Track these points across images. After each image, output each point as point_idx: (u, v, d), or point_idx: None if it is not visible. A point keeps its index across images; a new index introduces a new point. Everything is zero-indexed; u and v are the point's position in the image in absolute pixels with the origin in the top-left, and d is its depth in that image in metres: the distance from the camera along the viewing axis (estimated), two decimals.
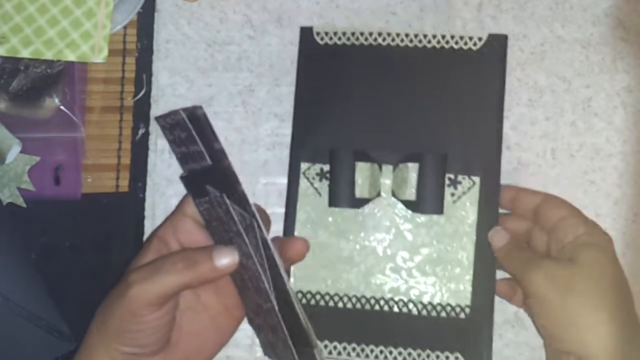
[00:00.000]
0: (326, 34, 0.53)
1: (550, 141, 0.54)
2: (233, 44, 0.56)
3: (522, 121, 0.54)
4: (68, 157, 0.54)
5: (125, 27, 0.55)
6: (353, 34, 0.53)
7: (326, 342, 0.50)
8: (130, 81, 0.56)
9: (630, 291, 0.46)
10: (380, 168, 0.51)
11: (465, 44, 0.52)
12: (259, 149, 0.55)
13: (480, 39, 0.52)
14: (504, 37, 0.52)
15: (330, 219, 0.51)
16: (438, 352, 0.49)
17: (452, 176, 0.51)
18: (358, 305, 0.50)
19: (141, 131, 0.55)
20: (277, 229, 0.52)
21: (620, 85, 0.55)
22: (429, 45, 0.52)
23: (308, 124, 0.52)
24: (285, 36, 0.56)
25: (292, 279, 0.51)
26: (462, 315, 0.50)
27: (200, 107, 0.41)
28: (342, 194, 0.50)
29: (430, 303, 0.50)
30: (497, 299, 0.50)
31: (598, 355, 0.42)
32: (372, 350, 0.50)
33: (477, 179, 0.51)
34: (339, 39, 0.53)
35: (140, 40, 0.56)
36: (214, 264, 0.41)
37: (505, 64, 0.52)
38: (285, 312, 0.42)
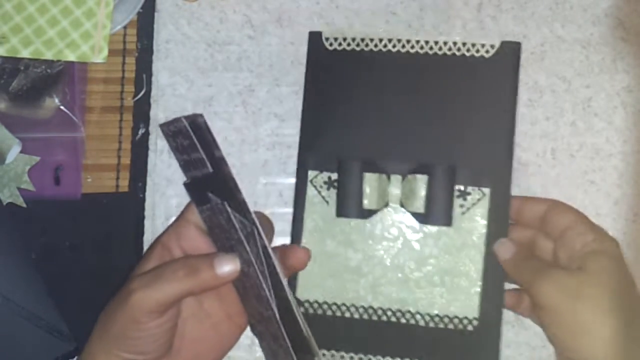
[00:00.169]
0: (335, 39, 0.52)
1: (550, 141, 0.54)
2: (233, 44, 0.56)
3: (522, 121, 0.54)
4: (68, 157, 0.54)
5: (125, 27, 0.55)
6: (363, 39, 0.52)
7: (332, 352, 0.50)
8: (130, 81, 0.56)
9: None
10: (389, 178, 0.50)
11: (477, 51, 0.51)
12: (259, 149, 0.55)
13: (492, 47, 0.51)
14: (517, 45, 0.51)
15: (337, 228, 0.50)
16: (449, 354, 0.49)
17: (461, 187, 0.50)
18: (365, 316, 0.50)
19: (141, 131, 0.55)
20: (278, 228, 0.52)
21: (620, 85, 0.55)
22: (440, 52, 0.51)
23: (316, 131, 0.52)
24: (285, 36, 0.56)
25: (297, 288, 0.50)
26: (470, 328, 0.49)
27: (201, 115, 0.41)
28: (350, 205, 0.50)
29: (437, 315, 0.49)
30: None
31: None
32: None
33: (487, 191, 0.50)
34: (348, 44, 0.52)
35: (140, 40, 0.56)
36: (216, 271, 0.41)
37: (518, 73, 0.51)
38: (287, 320, 0.42)
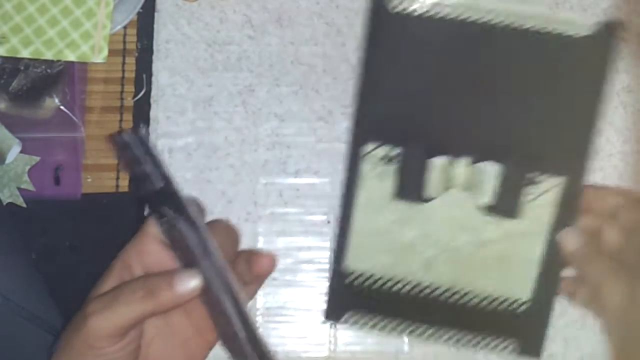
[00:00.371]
0: (401, 1, 0.47)
1: None
2: (233, 44, 0.56)
3: None
4: (68, 157, 0.54)
5: (125, 27, 0.55)
6: (436, 3, 0.47)
7: (378, 318, 0.49)
8: (130, 81, 0.56)
9: None
10: (454, 162, 0.47)
11: (569, 29, 0.46)
12: (259, 149, 0.55)
13: (587, 25, 0.46)
14: (618, 24, 0.46)
15: (393, 205, 0.48)
16: (492, 337, 0.48)
17: (532, 175, 0.47)
18: (415, 291, 0.48)
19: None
20: (278, 228, 0.52)
21: (620, 85, 0.54)
22: (523, 26, 0.46)
23: (374, 103, 0.48)
24: (285, 36, 0.56)
25: (348, 259, 0.49)
26: (521, 310, 0.48)
27: (144, 128, 0.41)
28: (410, 190, 0.47)
29: (489, 295, 0.48)
30: None
31: None
32: (425, 330, 0.49)
33: (560, 180, 0.47)
34: (417, 8, 0.47)
35: (140, 40, 0.56)
36: (175, 290, 0.38)
37: (614, 56, 0.47)
38: (251, 337, 0.41)
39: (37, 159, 0.53)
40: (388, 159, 0.48)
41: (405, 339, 0.52)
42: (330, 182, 0.54)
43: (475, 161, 0.47)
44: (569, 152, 0.47)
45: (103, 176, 0.55)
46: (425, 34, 0.47)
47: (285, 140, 0.54)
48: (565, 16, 0.47)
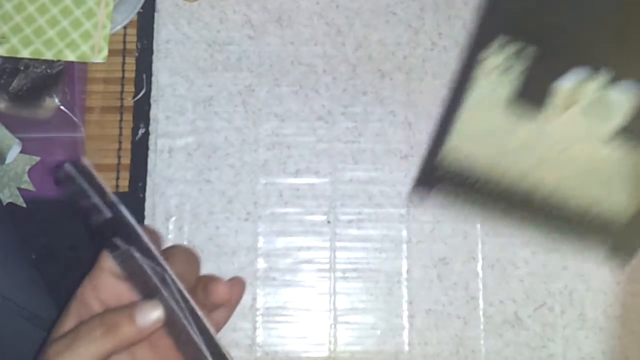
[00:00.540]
0: None
1: None
2: (233, 44, 0.56)
3: None
4: (68, 157, 0.54)
5: (125, 27, 0.55)
6: None
7: (464, 205, 0.48)
8: (130, 81, 0.56)
9: None
10: (589, 77, 0.45)
11: None
12: (259, 149, 0.55)
13: None
14: None
15: (506, 107, 0.46)
16: (586, 240, 0.48)
17: None
18: (515, 192, 0.48)
19: (141, 131, 0.55)
20: (278, 228, 0.52)
21: None
22: None
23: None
24: (285, 36, 0.56)
25: (449, 150, 0.49)
26: (619, 220, 0.48)
27: (83, 159, 0.38)
28: (535, 94, 0.45)
29: (590, 204, 0.47)
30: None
31: None
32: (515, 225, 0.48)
33: None
34: None
35: (140, 40, 0.56)
36: (137, 323, 0.37)
37: None
38: None
39: (37, 159, 0.53)
40: (515, 58, 0.45)
41: (405, 339, 0.52)
42: (330, 182, 0.54)
43: (613, 79, 0.45)
44: None
45: (103, 176, 0.54)
46: None
47: (285, 140, 0.54)
48: None
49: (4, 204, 0.53)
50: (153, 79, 0.55)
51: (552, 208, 0.48)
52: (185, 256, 0.41)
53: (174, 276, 0.37)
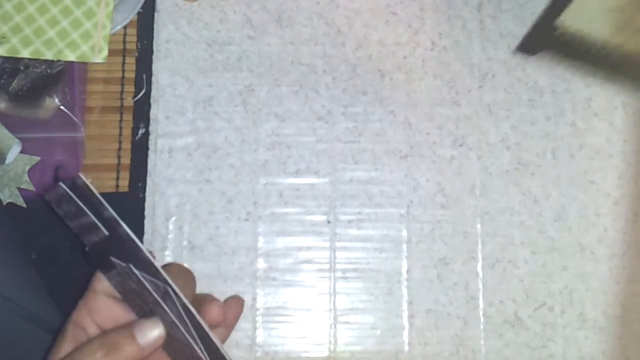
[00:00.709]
0: None
1: (550, 141, 0.54)
2: (233, 44, 0.56)
3: (522, 121, 0.54)
4: (68, 157, 0.54)
5: (125, 27, 0.55)
6: None
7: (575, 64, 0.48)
8: (130, 81, 0.56)
9: None
10: None
11: None
12: (259, 149, 0.55)
13: None
14: None
15: None
16: None
17: None
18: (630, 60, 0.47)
19: (141, 131, 0.55)
20: (277, 228, 0.52)
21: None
22: None
23: None
24: (285, 36, 0.56)
25: (566, 15, 0.48)
26: None
27: (79, 176, 0.36)
28: None
29: None
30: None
31: None
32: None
33: None
34: None
35: (140, 40, 0.56)
36: (138, 342, 0.36)
37: None
38: None
39: (37, 159, 0.53)
40: None
41: (405, 339, 0.52)
42: (330, 182, 0.54)
43: None
44: None
45: (103, 176, 0.55)
46: None
47: (285, 140, 0.54)
48: None
49: (4, 204, 0.53)
50: (153, 79, 0.55)
51: None
52: (183, 273, 0.40)
53: (177, 290, 0.36)
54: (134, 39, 0.56)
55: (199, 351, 0.37)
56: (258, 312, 0.53)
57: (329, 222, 0.54)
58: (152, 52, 0.56)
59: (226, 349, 0.45)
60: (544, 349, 0.52)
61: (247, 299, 0.52)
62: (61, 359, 0.37)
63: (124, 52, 0.56)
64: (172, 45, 0.56)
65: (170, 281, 0.36)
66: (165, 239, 0.53)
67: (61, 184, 0.37)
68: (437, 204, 0.54)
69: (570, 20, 0.48)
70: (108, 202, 0.50)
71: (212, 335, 0.37)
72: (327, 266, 0.53)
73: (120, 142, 0.55)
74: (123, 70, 0.56)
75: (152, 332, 0.37)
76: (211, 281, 0.52)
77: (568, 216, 0.53)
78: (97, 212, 0.37)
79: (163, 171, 0.54)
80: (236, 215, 0.54)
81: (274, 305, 0.53)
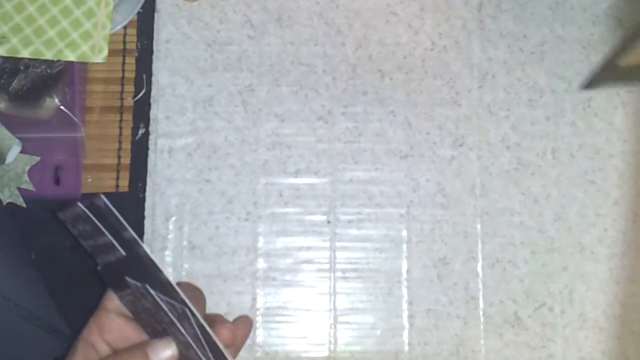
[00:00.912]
0: None
1: (550, 141, 0.54)
2: (233, 44, 0.56)
3: (522, 121, 0.54)
4: (68, 157, 0.54)
5: (125, 27, 0.55)
6: None
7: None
8: (130, 81, 0.56)
9: None
10: None
11: None
12: (259, 149, 0.55)
13: None
14: None
15: None
16: None
17: None
18: None
19: (141, 131, 0.55)
20: (277, 228, 0.52)
21: None
22: None
23: None
24: (285, 36, 0.56)
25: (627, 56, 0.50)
26: None
27: (100, 197, 0.36)
28: None
29: None
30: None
31: None
32: None
33: None
34: None
35: (140, 40, 0.56)
36: None
37: None
38: None
39: (37, 159, 0.53)
40: None
41: (405, 339, 0.52)
42: (330, 182, 0.54)
43: None
44: None
45: (103, 176, 0.55)
46: None
47: (285, 140, 0.54)
48: None
49: (4, 204, 0.53)
50: (153, 79, 0.55)
51: None
52: (195, 292, 0.40)
53: (195, 311, 0.36)
54: (134, 39, 0.56)
55: None
56: (258, 312, 0.53)
57: (329, 222, 0.54)
58: (152, 52, 0.56)
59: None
60: (544, 349, 0.52)
61: (247, 299, 0.52)
62: None
63: (124, 52, 0.56)
64: (172, 45, 0.56)
65: (188, 302, 0.36)
66: (165, 239, 0.53)
67: (79, 204, 0.37)
68: (437, 204, 0.54)
69: (634, 57, 0.50)
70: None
71: (227, 355, 0.37)
72: (327, 266, 0.53)
73: (120, 142, 0.55)
74: (123, 70, 0.56)
75: (165, 352, 0.37)
76: (211, 281, 0.52)
77: (568, 216, 0.53)
78: (116, 232, 0.37)
79: (163, 171, 0.54)
80: (236, 215, 0.54)
81: (274, 305, 0.53)
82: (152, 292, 0.36)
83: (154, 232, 0.53)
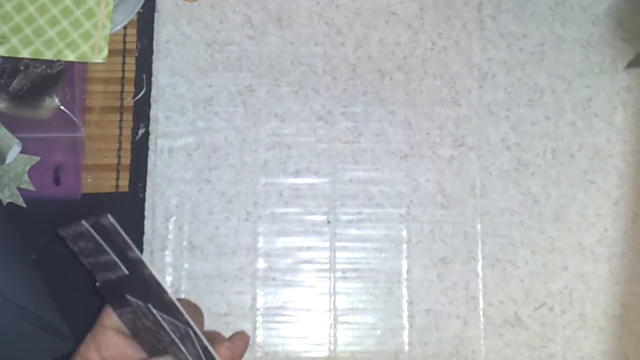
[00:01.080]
0: None
1: (550, 141, 0.54)
2: (233, 44, 0.56)
3: (522, 121, 0.54)
4: (68, 157, 0.54)
5: (125, 27, 0.55)
6: None
7: None
8: (130, 81, 0.56)
9: None
10: None
11: None
12: (259, 149, 0.55)
13: None
14: None
15: None
16: None
17: None
18: None
19: (141, 131, 0.55)
20: (277, 228, 0.52)
21: (620, 85, 0.55)
22: None
23: None
24: (285, 36, 0.56)
25: None
26: None
27: (106, 216, 0.36)
28: None
29: None
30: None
31: None
32: None
33: None
34: None
35: (140, 40, 0.56)
36: None
37: None
38: None
39: (37, 159, 0.53)
40: None
41: (405, 339, 0.52)
42: (330, 182, 0.54)
43: None
44: None
45: (103, 176, 0.55)
46: None
47: (285, 140, 0.54)
48: None
49: (4, 204, 0.53)
50: (153, 79, 0.55)
51: None
52: (194, 310, 0.40)
53: (198, 331, 0.36)
54: (134, 39, 0.56)
55: None
56: (258, 312, 0.53)
57: (329, 222, 0.54)
58: (152, 52, 0.56)
59: None
60: (544, 349, 0.52)
61: (247, 299, 0.52)
62: None
63: (124, 52, 0.56)
64: (172, 45, 0.56)
65: (192, 323, 0.36)
66: (165, 239, 0.53)
67: (84, 222, 0.36)
68: (437, 204, 0.54)
69: None
70: (108, 202, 0.50)
71: None
72: (327, 266, 0.53)
73: (120, 142, 0.55)
74: (123, 70, 0.56)
75: None
76: (211, 281, 0.52)
77: (568, 216, 0.53)
78: (120, 251, 0.36)
79: (163, 171, 0.54)
80: (236, 215, 0.54)
81: (274, 305, 0.53)
82: (155, 311, 0.36)
83: (154, 232, 0.53)
